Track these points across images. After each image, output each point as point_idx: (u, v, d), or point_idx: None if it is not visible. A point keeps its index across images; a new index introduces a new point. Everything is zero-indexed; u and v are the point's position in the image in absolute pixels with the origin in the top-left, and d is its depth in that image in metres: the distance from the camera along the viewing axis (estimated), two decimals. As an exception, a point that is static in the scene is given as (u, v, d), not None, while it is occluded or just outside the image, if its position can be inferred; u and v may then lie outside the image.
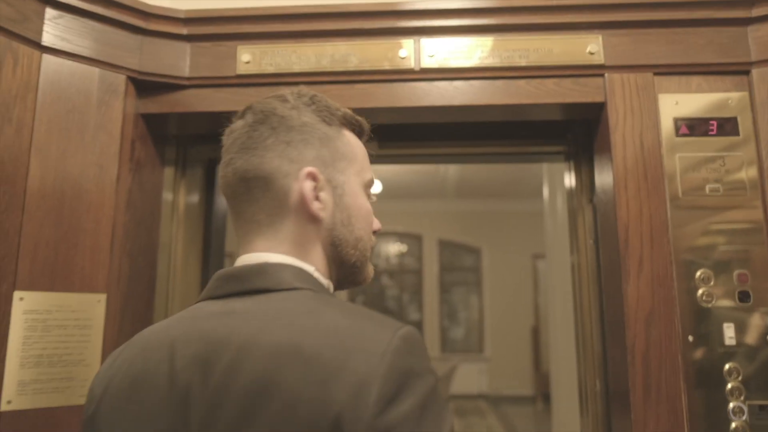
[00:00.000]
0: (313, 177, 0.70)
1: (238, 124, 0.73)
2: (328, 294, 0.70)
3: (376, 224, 0.81)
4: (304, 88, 0.77)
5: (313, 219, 0.71)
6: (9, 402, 1.04)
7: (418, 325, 8.04)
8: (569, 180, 1.50)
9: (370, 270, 0.81)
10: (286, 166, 0.70)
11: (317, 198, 0.71)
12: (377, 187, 6.65)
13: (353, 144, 0.77)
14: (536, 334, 7.97)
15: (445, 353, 8.14)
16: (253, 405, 0.55)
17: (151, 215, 1.35)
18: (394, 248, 8.66)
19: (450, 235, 8.63)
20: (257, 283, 0.66)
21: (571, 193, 1.49)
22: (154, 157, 1.35)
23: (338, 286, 0.78)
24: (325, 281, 0.73)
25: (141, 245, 1.29)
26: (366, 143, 0.82)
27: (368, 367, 0.54)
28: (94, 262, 1.16)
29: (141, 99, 1.28)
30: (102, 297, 1.16)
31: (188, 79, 1.28)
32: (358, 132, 0.80)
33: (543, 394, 7.27)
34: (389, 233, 8.54)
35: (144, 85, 1.27)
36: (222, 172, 0.73)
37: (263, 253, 0.69)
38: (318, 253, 0.72)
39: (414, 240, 8.67)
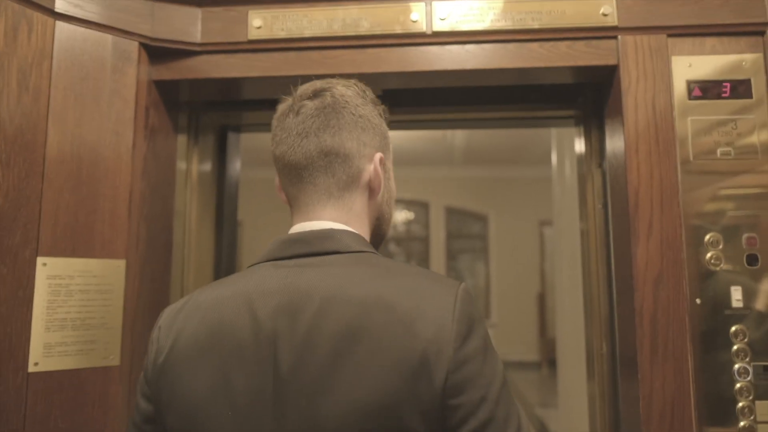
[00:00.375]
0: (381, 161, 0.83)
1: (311, 104, 0.80)
2: (384, 257, 0.77)
3: None
4: (352, 80, 0.87)
5: (374, 196, 0.83)
6: (36, 364, 1.08)
7: (425, 291, 8.08)
8: (579, 145, 1.50)
9: None
10: (362, 149, 0.81)
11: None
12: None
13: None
14: (542, 300, 8.03)
15: (451, 319, 8.21)
16: (347, 344, 0.64)
17: (166, 182, 1.37)
18: (400, 216, 8.68)
19: (457, 202, 8.63)
20: (326, 246, 0.74)
21: (580, 158, 1.50)
22: (168, 124, 1.36)
23: None
24: None
25: (157, 212, 1.31)
26: None
27: (445, 313, 0.66)
28: (113, 228, 1.18)
29: (153, 65, 1.28)
30: (122, 263, 1.19)
31: (200, 45, 1.28)
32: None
33: (548, 360, 7.37)
34: (396, 200, 8.53)
35: (156, 52, 1.27)
36: (294, 141, 0.79)
37: (327, 222, 0.78)
38: (367, 225, 0.84)
39: (421, 207, 8.68)
